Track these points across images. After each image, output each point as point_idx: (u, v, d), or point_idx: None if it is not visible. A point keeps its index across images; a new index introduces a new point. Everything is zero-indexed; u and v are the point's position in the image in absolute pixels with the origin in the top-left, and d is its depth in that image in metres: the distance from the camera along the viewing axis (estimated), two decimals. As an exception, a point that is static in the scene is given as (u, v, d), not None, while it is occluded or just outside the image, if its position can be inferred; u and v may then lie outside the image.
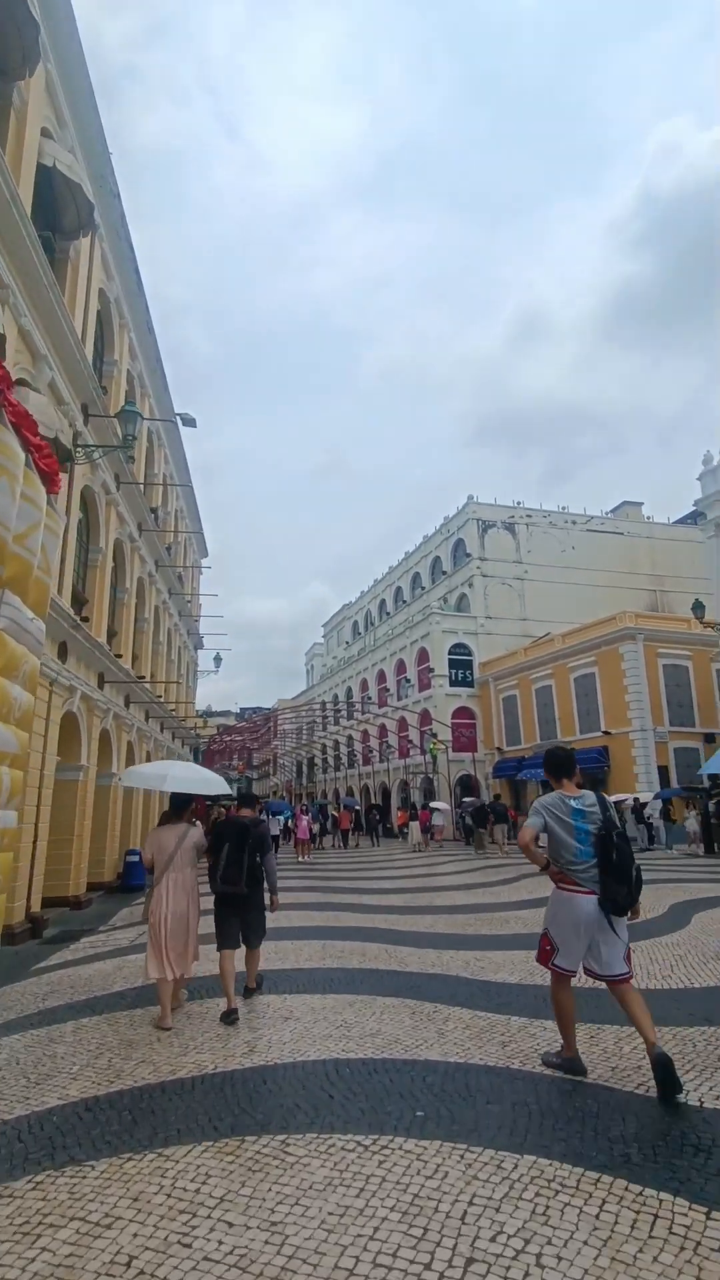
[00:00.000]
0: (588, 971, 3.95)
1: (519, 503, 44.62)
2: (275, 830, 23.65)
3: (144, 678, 18.58)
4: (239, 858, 5.35)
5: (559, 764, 4.17)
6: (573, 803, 3.94)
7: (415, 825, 24.92)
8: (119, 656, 15.59)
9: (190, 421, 23.61)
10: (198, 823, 6.24)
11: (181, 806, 5.92)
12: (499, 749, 37.31)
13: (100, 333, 15.19)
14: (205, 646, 33.88)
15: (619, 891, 3.74)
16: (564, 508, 45.74)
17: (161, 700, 20.71)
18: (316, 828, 27.93)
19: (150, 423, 20.08)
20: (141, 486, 17.66)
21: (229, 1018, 5.10)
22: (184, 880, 5.50)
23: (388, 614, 54.43)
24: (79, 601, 13.54)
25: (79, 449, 11.69)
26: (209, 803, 22.18)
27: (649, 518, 48.25)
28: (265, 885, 5.70)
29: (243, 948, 5.69)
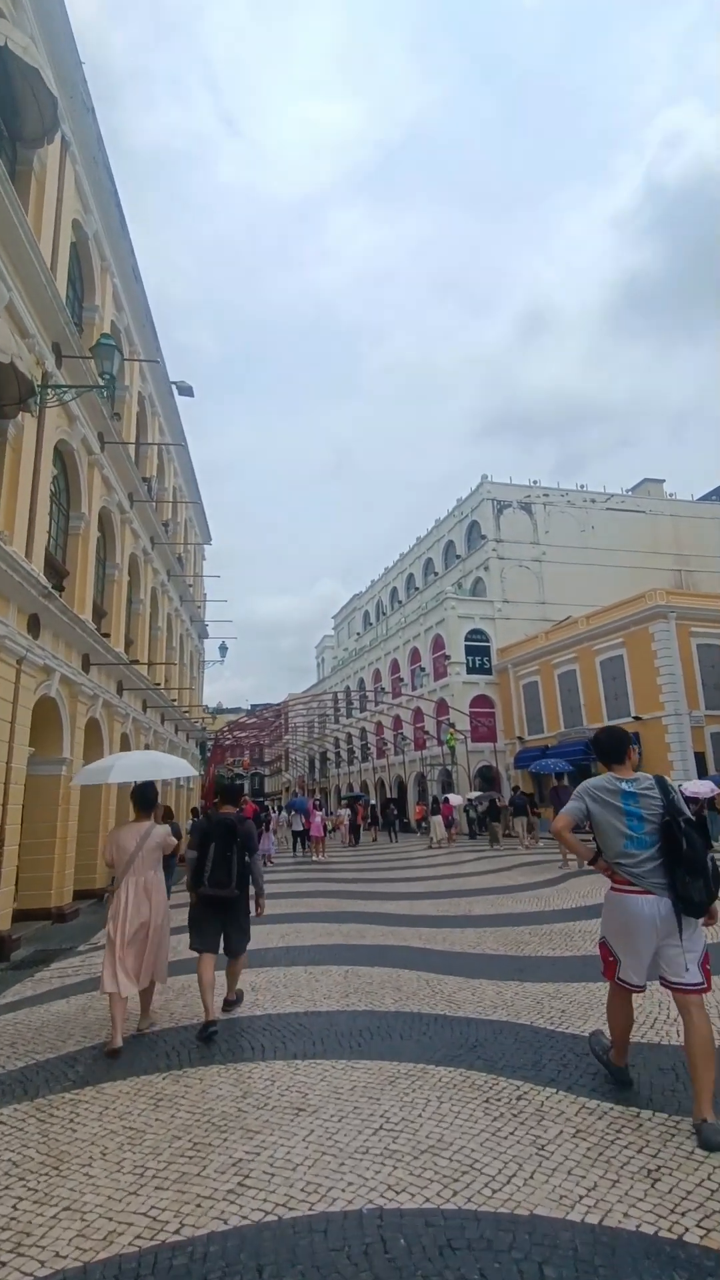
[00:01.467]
0: (661, 981, 3.27)
1: (535, 482, 42.76)
2: (297, 826, 22.33)
3: (139, 663, 16.98)
4: (227, 857, 4.96)
5: (610, 745, 3.65)
6: (624, 785, 3.44)
7: (437, 820, 23.26)
8: (106, 636, 13.99)
9: (187, 390, 22.02)
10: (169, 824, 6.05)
11: (147, 801, 5.33)
12: (520, 738, 35.55)
13: (78, 272, 13.54)
14: (210, 636, 32.27)
15: (694, 887, 3.14)
16: (582, 486, 43.80)
17: (160, 688, 19.08)
18: (328, 822, 26.98)
19: (142, 387, 18.46)
20: (132, 452, 16.03)
21: (206, 1033, 4.63)
22: (147, 884, 5.00)
23: (400, 602, 52.68)
24: (57, 572, 11.93)
25: (49, 389, 10.06)
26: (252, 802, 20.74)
27: (671, 495, 46.21)
28: (251, 887, 5.24)
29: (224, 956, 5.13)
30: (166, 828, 5.58)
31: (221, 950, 5.11)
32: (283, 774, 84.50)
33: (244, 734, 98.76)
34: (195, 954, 4.99)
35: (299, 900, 11.40)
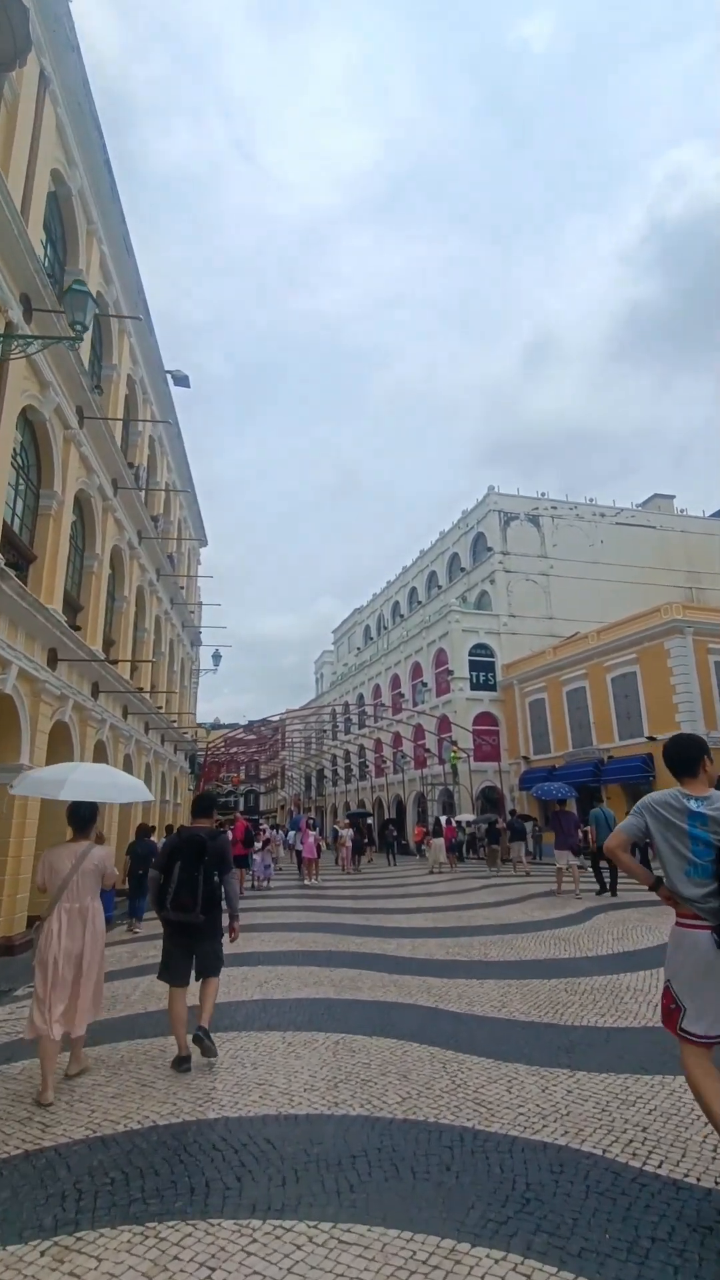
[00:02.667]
0: None
1: (543, 494, 41.67)
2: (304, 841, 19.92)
3: (118, 661, 15.57)
4: (193, 877, 4.54)
5: (680, 756, 3.08)
6: (692, 804, 2.91)
7: (438, 843, 21.71)
8: (78, 629, 12.62)
9: (183, 380, 20.85)
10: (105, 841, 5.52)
11: (83, 819, 4.73)
12: (525, 758, 34.03)
13: (60, 231, 12.36)
14: (204, 644, 30.89)
15: None
16: (591, 500, 42.68)
17: (143, 692, 17.64)
18: (320, 842, 25.22)
19: (133, 370, 17.28)
20: (117, 435, 14.77)
21: (181, 1065, 4.38)
22: (82, 911, 4.46)
23: (402, 616, 51.34)
24: (19, 552, 10.61)
25: (12, 339, 8.78)
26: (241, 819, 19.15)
27: (682, 510, 45.08)
28: (225, 909, 4.84)
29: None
30: (107, 849, 4.91)
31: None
32: (278, 791, 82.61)
33: (239, 749, 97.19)
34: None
35: (285, 935, 9.90)
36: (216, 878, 4.65)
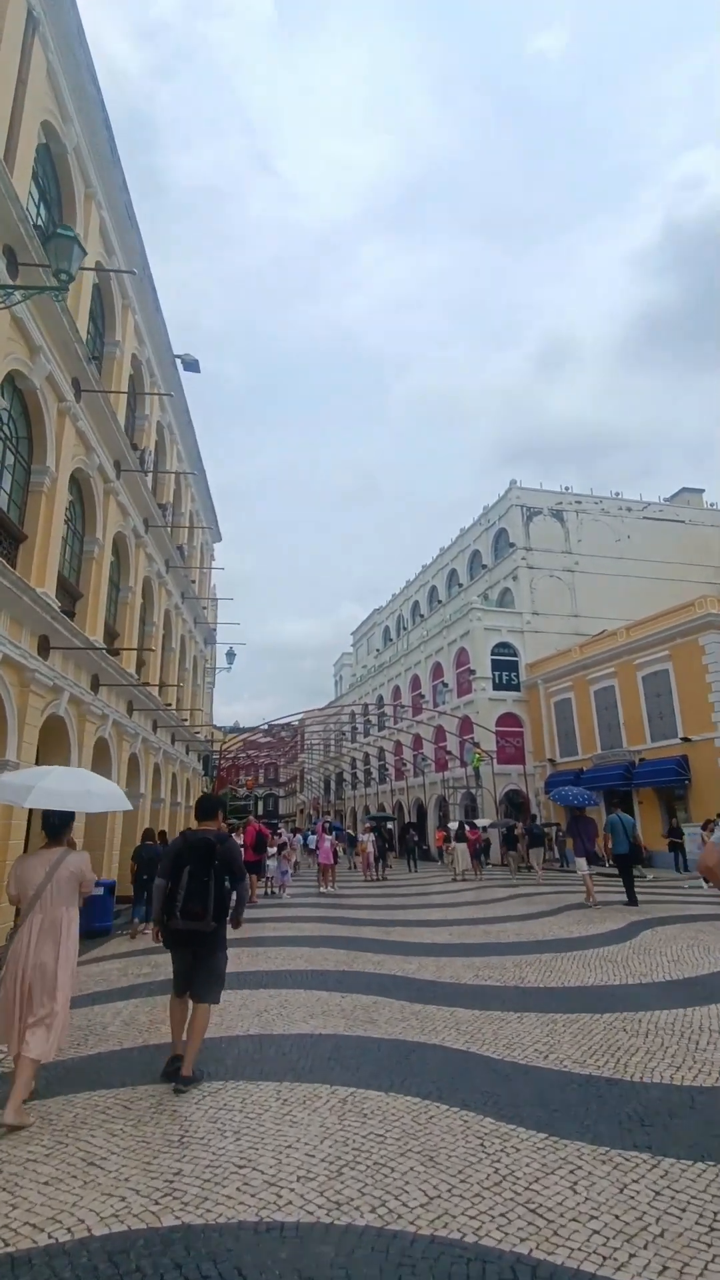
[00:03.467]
0: None
1: (567, 488, 40.39)
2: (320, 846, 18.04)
3: (120, 650, 14.73)
4: (203, 884, 4.25)
5: None
6: None
7: (462, 849, 20.59)
8: (70, 615, 11.79)
9: (193, 365, 20.06)
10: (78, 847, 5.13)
11: (55, 827, 4.45)
12: (551, 760, 32.76)
13: (54, 190, 11.57)
14: (219, 642, 30.06)
15: None
16: (617, 494, 41.28)
17: (145, 685, 16.78)
18: (334, 849, 24.12)
19: (138, 349, 16.49)
20: (119, 416, 13.95)
21: (173, 1064, 4.19)
22: (55, 923, 4.06)
23: (422, 616, 50.24)
24: (4, 530, 9.78)
25: (-11, 290, 7.96)
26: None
27: (711, 504, 43.48)
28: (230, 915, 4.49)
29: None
30: (83, 855, 4.47)
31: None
32: (297, 795, 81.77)
33: (258, 753, 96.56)
34: None
35: (294, 951, 8.91)
36: (228, 883, 4.41)
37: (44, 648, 10.38)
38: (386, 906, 14.12)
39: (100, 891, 11.85)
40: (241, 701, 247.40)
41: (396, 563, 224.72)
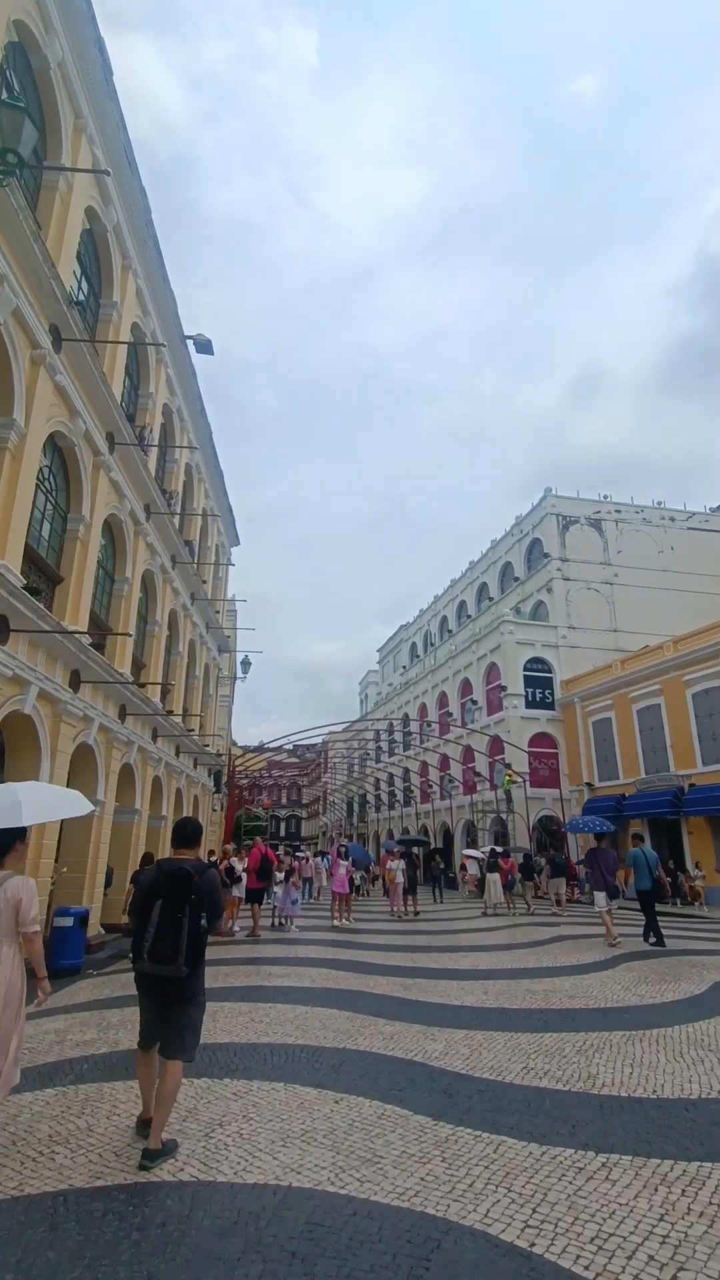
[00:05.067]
0: None
1: (606, 497, 38.29)
2: (334, 873, 15.68)
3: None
4: (176, 922, 3.75)
5: None
6: None
7: (494, 879, 18.42)
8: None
9: (205, 346, 18.72)
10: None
11: (2, 847, 3.90)
12: (589, 784, 30.34)
13: (37, 108, 10.16)
14: (236, 649, 28.42)
15: None
16: (659, 503, 39.06)
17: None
18: (361, 878, 21.87)
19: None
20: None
21: (145, 1129, 3.72)
22: (4, 961, 3.66)
23: (450, 632, 48.22)
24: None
25: None
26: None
27: (761, 516, 40.90)
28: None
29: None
30: (27, 881, 3.85)
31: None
32: (319, 817, 79.49)
33: (281, 772, 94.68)
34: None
35: (285, 1009, 6.99)
36: (204, 922, 3.85)
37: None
38: (407, 948, 12.08)
39: (68, 922, 10.10)
40: (270, 722, 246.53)
41: (424, 585, 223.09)
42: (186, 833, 4.28)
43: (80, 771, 12.44)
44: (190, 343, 18.40)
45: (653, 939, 11.62)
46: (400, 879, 17.10)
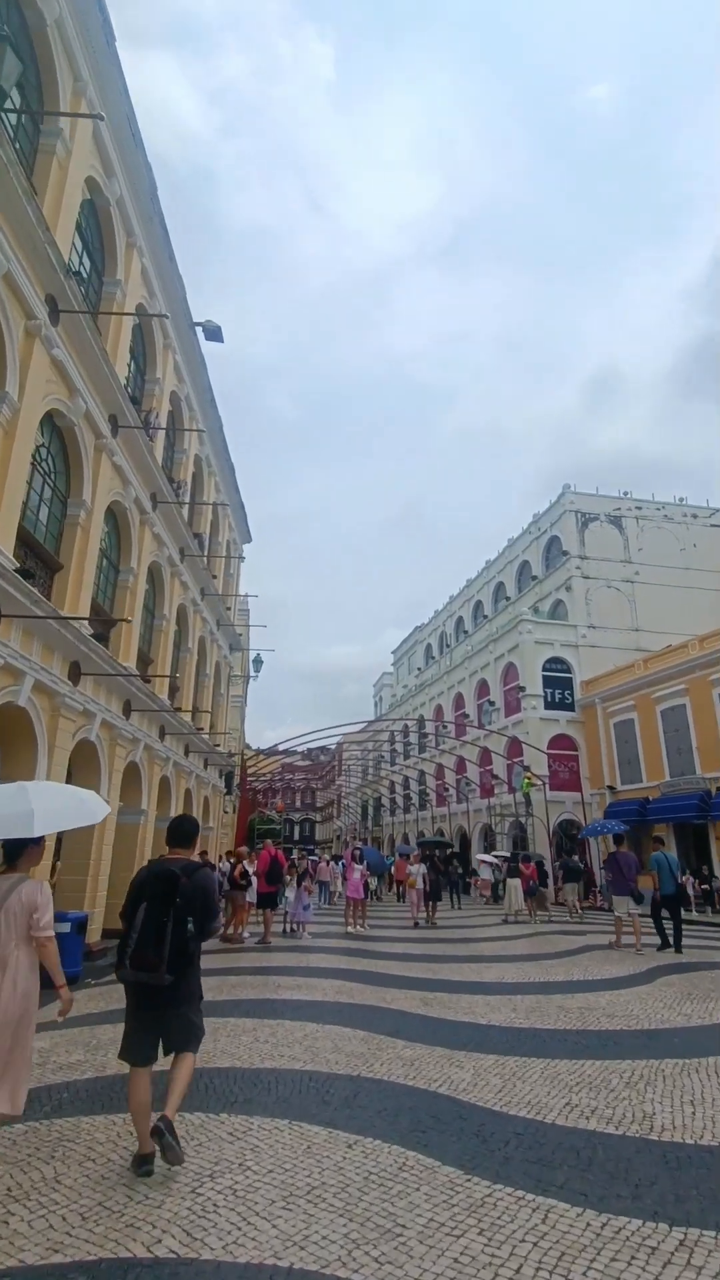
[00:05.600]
0: None
1: (626, 493, 37.37)
2: (349, 877, 15.29)
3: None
4: (160, 925, 3.51)
5: None
6: None
7: (515, 884, 17.65)
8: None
9: (215, 334, 18.20)
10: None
11: (17, 844, 3.80)
12: (610, 788, 29.43)
13: (32, 66, 9.64)
14: (248, 648, 27.87)
15: None
16: (681, 499, 38.08)
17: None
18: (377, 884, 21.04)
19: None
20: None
21: (142, 1167, 3.38)
22: (4, 963, 3.45)
23: (465, 633, 47.41)
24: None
25: None
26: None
27: (786, 511, 39.78)
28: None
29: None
30: (42, 885, 3.67)
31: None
32: (334, 821, 78.79)
33: (294, 776, 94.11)
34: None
35: (294, 1026, 6.34)
36: (190, 927, 3.56)
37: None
38: (425, 958, 11.38)
39: (65, 927, 9.50)
40: (285, 726, 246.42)
41: (440, 589, 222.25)
42: (180, 831, 4.03)
43: (82, 769, 11.88)
44: (199, 330, 17.92)
45: (673, 946, 11.37)
46: (421, 884, 16.28)
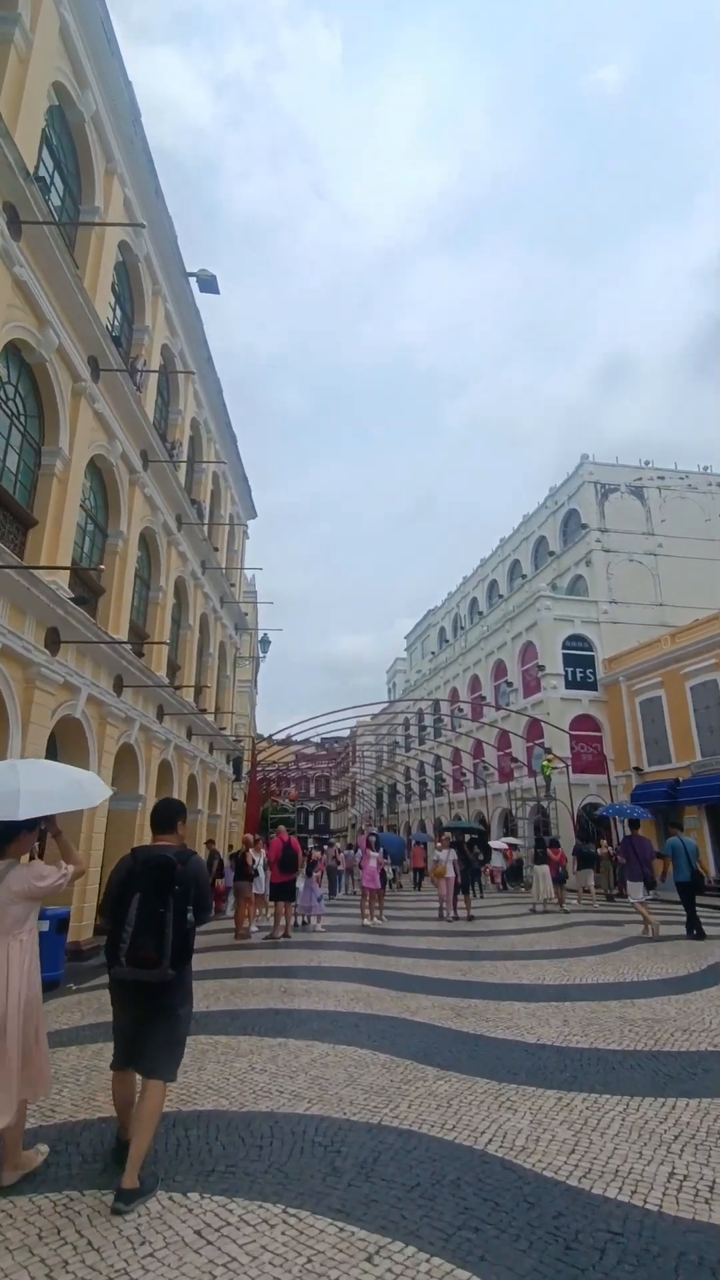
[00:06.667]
0: None
1: (647, 462, 35.73)
2: (364, 866, 14.10)
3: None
4: (158, 917, 3.25)
5: None
6: None
7: (543, 871, 16.43)
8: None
9: (210, 284, 16.89)
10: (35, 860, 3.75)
11: (3, 836, 3.50)
12: (637, 769, 28.11)
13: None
14: (255, 628, 26.69)
15: None
16: (706, 468, 36.36)
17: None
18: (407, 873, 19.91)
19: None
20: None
21: (122, 1156, 3.14)
22: (5, 956, 3.23)
23: (480, 614, 46.02)
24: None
25: None
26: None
27: None
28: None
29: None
30: (37, 868, 3.47)
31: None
32: (348, 809, 77.91)
33: (309, 764, 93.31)
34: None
35: (301, 1046, 5.17)
36: (189, 916, 3.32)
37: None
38: (451, 954, 10.20)
39: (45, 926, 8.40)
40: (300, 716, 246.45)
41: (452, 575, 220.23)
42: (164, 815, 3.73)
43: (68, 750, 10.77)
44: (194, 280, 16.63)
45: (694, 932, 11.00)
46: (451, 873, 14.91)
